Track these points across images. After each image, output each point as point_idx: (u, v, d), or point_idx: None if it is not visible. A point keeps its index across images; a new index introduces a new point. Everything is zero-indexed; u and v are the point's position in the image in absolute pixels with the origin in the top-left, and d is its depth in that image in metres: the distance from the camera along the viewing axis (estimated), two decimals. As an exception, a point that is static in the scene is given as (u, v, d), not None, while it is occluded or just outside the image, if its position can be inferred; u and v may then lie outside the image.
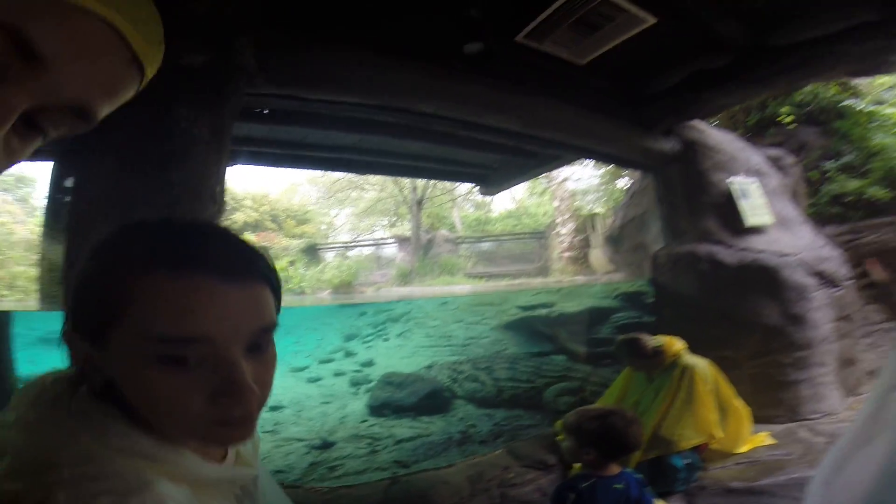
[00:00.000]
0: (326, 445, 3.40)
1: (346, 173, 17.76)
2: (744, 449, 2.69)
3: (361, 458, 3.04)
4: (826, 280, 3.27)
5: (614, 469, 1.61)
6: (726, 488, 2.38)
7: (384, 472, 2.68)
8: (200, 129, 1.56)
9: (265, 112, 2.78)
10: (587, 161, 11.91)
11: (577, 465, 2.36)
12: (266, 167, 3.61)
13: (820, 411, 3.10)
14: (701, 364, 2.64)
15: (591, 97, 2.90)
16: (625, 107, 3.11)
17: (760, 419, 2.79)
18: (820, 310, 3.16)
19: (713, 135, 3.58)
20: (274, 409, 4.84)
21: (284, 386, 6.07)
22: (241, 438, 0.43)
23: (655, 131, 3.28)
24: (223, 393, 0.40)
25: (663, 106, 3.16)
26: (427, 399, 4.26)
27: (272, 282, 0.45)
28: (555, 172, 12.97)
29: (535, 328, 5.36)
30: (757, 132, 4.80)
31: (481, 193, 5.25)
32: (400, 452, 3.11)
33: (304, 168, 4.03)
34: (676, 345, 2.65)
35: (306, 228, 18.01)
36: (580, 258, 12.47)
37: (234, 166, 3.52)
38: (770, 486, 2.34)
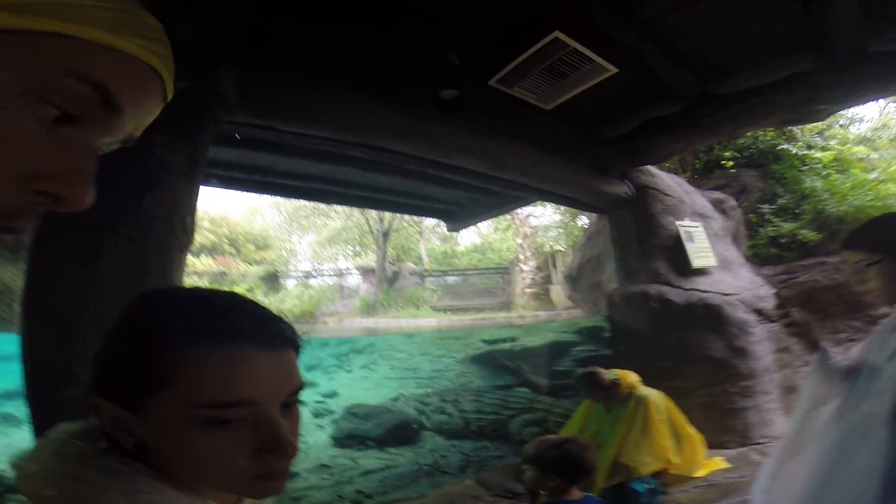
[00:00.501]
0: (290, 476, 3.31)
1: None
2: (701, 473, 2.84)
3: (326, 489, 2.99)
4: (764, 316, 3.57)
5: (576, 494, 1.70)
6: None
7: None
8: (176, 158, 1.51)
9: (237, 137, 2.73)
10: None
11: (542, 494, 2.48)
12: (232, 191, 3.48)
13: (768, 436, 3.32)
14: (654, 394, 2.84)
15: (554, 141, 3.06)
16: (583, 151, 3.28)
17: (714, 445, 2.95)
18: (760, 343, 3.44)
19: (663, 179, 3.81)
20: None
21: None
22: (279, 490, 0.46)
23: (610, 175, 3.47)
24: (267, 450, 0.43)
25: (618, 151, 3.36)
26: (395, 430, 4.25)
27: (297, 346, 0.50)
28: (518, 210, 13.48)
29: (499, 361, 5.49)
30: (703, 174, 5.11)
31: (448, 229, 5.34)
32: (367, 483, 3.09)
33: (270, 194, 3.97)
34: (631, 377, 2.85)
35: (266, 254, 17.47)
36: (542, 294, 12.75)
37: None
38: None
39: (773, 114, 2.91)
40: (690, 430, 2.86)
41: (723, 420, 3.30)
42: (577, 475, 1.70)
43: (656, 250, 3.58)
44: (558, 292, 12.01)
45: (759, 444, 3.30)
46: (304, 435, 4.76)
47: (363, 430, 4.31)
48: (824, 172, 4.88)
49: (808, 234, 4.50)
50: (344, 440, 4.26)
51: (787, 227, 4.61)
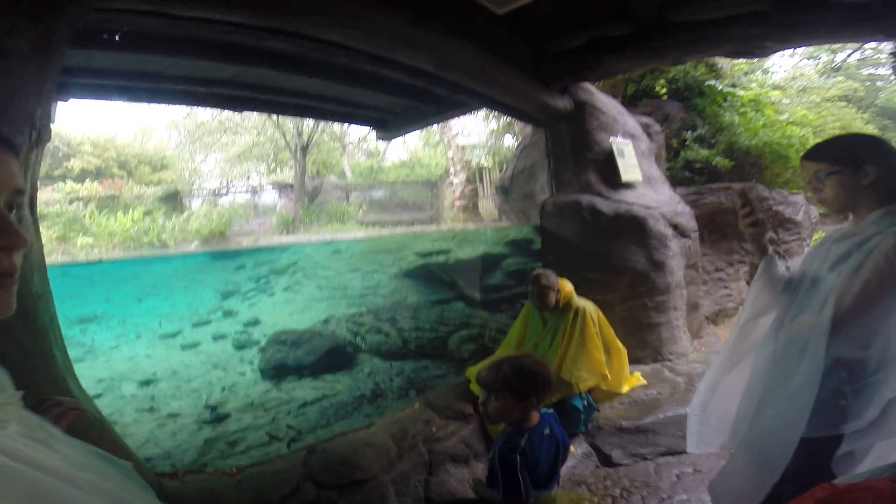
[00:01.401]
0: (219, 419, 3.05)
1: (214, 115, 15.55)
2: (625, 389, 2.96)
3: (263, 428, 2.79)
4: (680, 231, 3.79)
5: (535, 417, 1.62)
6: (618, 427, 2.64)
7: (295, 442, 2.51)
8: (16, 42, 1.30)
9: (116, 38, 2.21)
10: (479, 115, 12.49)
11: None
12: (114, 102, 2.90)
13: (675, 353, 3.59)
14: (590, 306, 2.85)
15: (502, 48, 2.90)
16: (529, 62, 3.22)
17: (632, 360, 3.09)
18: (675, 258, 3.63)
19: (600, 97, 3.88)
20: (147, 383, 4.21)
21: (155, 356, 5.32)
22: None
23: (553, 89, 3.46)
24: None
25: (564, 65, 3.34)
26: (328, 356, 4.06)
27: (16, 151, 0.57)
28: (450, 125, 13.23)
29: (435, 275, 5.41)
30: (632, 102, 5.37)
31: (378, 138, 5.03)
32: (306, 417, 2.94)
33: (165, 103, 3.34)
34: (567, 286, 2.80)
35: (164, 175, 15.89)
36: (470, 207, 13.00)
37: (70, 100, 2.80)
38: (653, 425, 2.65)
39: (722, 45, 3.00)
40: (619, 345, 2.95)
41: (640, 335, 3.48)
42: (537, 396, 1.59)
43: (589, 163, 3.68)
44: (486, 205, 12.33)
45: (669, 360, 3.54)
46: (228, 370, 4.46)
47: (294, 359, 4.07)
48: (742, 110, 5.44)
49: (722, 161, 5.04)
50: (273, 372, 4.00)
51: (704, 153, 5.12)
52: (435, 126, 14.27)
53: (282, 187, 14.97)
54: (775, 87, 7.04)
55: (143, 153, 16.39)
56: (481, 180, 12.83)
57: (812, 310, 1.48)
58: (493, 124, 12.96)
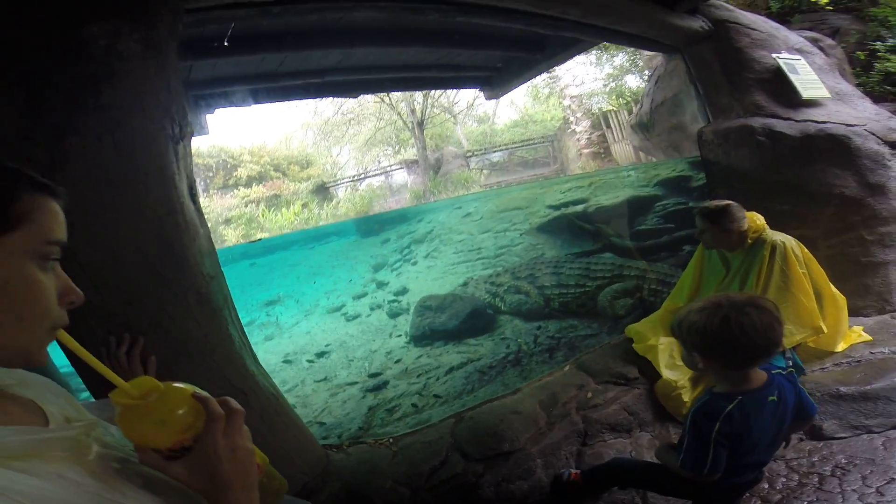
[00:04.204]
0: (379, 386, 3.25)
1: (336, 109, 17.14)
2: (842, 347, 2.33)
3: (416, 395, 2.87)
4: None
5: (759, 378, 1.23)
6: (835, 393, 2.09)
7: (442, 406, 2.50)
8: (129, 45, 1.35)
9: (226, 44, 2.42)
10: (589, 60, 11.45)
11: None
12: (245, 106, 3.27)
13: None
14: (791, 241, 2.21)
15: None
16: None
17: (849, 311, 2.42)
18: None
19: (745, 14, 3.43)
20: (321, 354, 4.74)
21: (326, 328, 6.00)
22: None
23: (678, 9, 3.11)
24: (65, 293, 0.57)
25: None
26: (470, 319, 4.03)
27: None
28: (558, 73, 12.63)
29: (574, 225, 4.98)
30: (780, 19, 4.56)
31: (487, 97, 4.92)
32: (452, 383, 2.93)
33: (291, 99, 3.67)
34: (758, 219, 2.22)
35: (311, 171, 18.01)
36: (602, 153, 11.97)
37: (215, 112, 3.26)
38: (885, 390, 2.05)
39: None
40: (834, 290, 2.29)
41: (858, 278, 2.78)
42: (758, 357, 1.19)
43: (751, 84, 3.16)
44: (621, 149, 11.18)
45: None
46: (385, 339, 4.78)
47: (439, 324, 4.14)
48: None
49: None
50: (422, 338, 4.13)
51: None
52: (542, 81, 13.67)
53: (408, 164, 15.88)
54: None
55: (290, 155, 18.68)
56: (609, 125, 11.84)
57: None
58: (608, 67, 12.10)
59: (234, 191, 15.39)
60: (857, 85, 4.15)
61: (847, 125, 2.91)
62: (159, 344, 1.35)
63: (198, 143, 16.95)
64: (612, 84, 12.26)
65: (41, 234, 0.54)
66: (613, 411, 2.04)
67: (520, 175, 13.98)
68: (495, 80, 4.44)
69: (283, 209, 13.31)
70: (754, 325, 1.12)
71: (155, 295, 1.34)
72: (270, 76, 3.18)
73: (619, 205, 4.79)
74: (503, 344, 3.51)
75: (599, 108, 12.49)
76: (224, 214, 13.27)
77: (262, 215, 12.98)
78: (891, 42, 4.47)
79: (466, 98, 16.93)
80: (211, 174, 16.96)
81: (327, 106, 17.20)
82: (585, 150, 12.45)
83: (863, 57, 4.51)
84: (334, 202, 14.87)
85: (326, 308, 7.16)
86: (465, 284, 5.10)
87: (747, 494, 1.70)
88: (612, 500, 1.76)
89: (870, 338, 2.41)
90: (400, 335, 4.62)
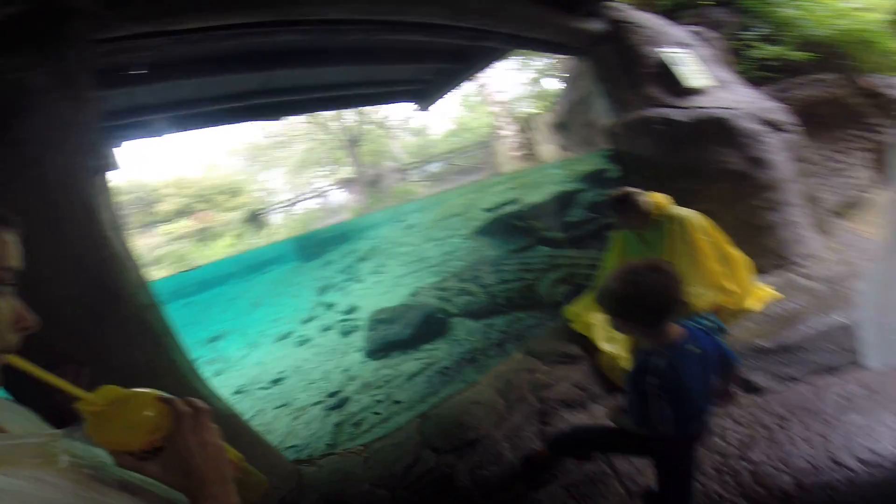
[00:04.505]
0: (342, 403, 3.26)
1: (263, 133, 16.61)
2: (756, 306, 2.59)
3: (381, 405, 2.92)
4: (774, 126, 3.40)
5: (674, 332, 1.36)
6: (757, 347, 2.29)
7: (408, 411, 2.57)
8: (40, 79, 1.36)
9: (143, 72, 2.35)
10: (512, 67, 12.08)
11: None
12: (159, 136, 3.14)
13: (804, 255, 3.17)
14: (691, 214, 2.53)
15: None
16: None
17: (754, 271, 2.69)
18: (775, 151, 3.26)
19: (636, 13, 3.72)
20: (276, 381, 4.64)
21: (277, 356, 5.85)
22: None
23: (579, 13, 3.34)
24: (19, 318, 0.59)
25: None
26: (424, 326, 4.13)
27: None
28: (485, 81, 13.19)
29: (509, 225, 5.25)
30: (671, 16, 4.98)
31: (418, 109, 5.06)
32: (415, 388, 3.01)
33: (210, 126, 3.54)
34: (660, 198, 2.51)
35: (241, 199, 17.30)
36: (529, 155, 12.58)
37: (129, 142, 3.05)
38: (799, 340, 2.26)
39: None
40: (738, 253, 2.56)
41: (757, 240, 3.12)
42: (664, 313, 1.31)
43: (646, 78, 3.47)
44: (546, 149, 11.83)
45: (798, 265, 3.08)
46: (340, 357, 4.75)
47: (394, 335, 4.20)
48: (794, 3, 5.00)
49: (798, 55, 4.61)
50: (378, 351, 4.17)
51: (775, 49, 4.72)
52: (471, 89, 14.16)
53: (345, 183, 15.65)
54: None
55: (216, 184, 17.80)
56: (534, 127, 12.44)
57: None
58: (531, 72, 12.66)
59: (157, 228, 14.42)
60: (739, 73, 4.58)
61: (727, 108, 3.29)
62: (104, 374, 1.34)
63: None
64: (535, 88, 12.90)
65: None
66: (564, 388, 2.21)
67: (459, 182, 14.26)
68: (424, 92, 4.55)
69: (215, 242, 12.67)
70: (654, 285, 1.28)
71: (92, 328, 1.34)
72: (187, 103, 3.08)
73: (547, 201, 5.11)
74: (458, 345, 3.64)
75: (525, 112, 13.08)
76: (150, 255, 12.39)
77: (193, 251, 12.28)
78: (760, 31, 4.93)
79: (400, 113, 17.08)
80: (127, 212, 15.86)
81: (252, 130, 16.72)
82: (515, 153, 13.02)
83: (738, 46, 4.93)
84: (269, 229, 14.38)
85: (274, 337, 6.95)
86: (414, 294, 5.20)
87: (708, 452, 1.85)
88: (583, 471, 1.88)
89: (780, 295, 2.70)
90: (356, 352, 4.62)
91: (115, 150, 3.11)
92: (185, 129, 3.37)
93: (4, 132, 1.27)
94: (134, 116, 2.88)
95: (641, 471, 1.86)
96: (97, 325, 1.35)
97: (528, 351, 2.51)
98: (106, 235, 1.44)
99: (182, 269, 11.63)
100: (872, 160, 4.87)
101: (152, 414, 0.59)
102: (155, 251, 12.45)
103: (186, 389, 1.53)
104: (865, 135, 4.76)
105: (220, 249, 12.11)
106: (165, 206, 15.54)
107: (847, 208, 4.53)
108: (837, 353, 2.17)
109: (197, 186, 17.00)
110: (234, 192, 17.68)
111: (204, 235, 13.55)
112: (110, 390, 0.59)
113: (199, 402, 0.62)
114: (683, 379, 1.31)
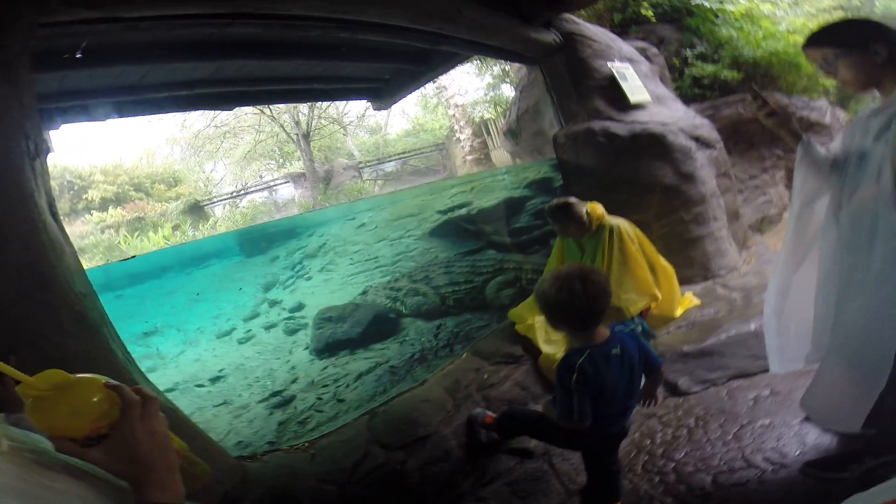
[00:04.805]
0: (286, 402, 3.22)
1: (208, 122, 15.74)
2: (679, 313, 2.81)
3: (328, 404, 2.91)
4: (703, 143, 3.70)
5: (602, 334, 1.47)
6: (681, 352, 2.47)
7: (357, 410, 2.60)
8: None
9: (78, 55, 2.21)
10: (471, 71, 12.30)
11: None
12: (99, 121, 2.98)
13: (725, 266, 3.46)
14: (624, 223, 2.72)
15: None
16: (507, 1, 3.17)
17: (680, 281, 2.90)
18: (703, 168, 3.53)
19: (588, 27, 3.85)
20: (216, 379, 4.46)
21: (217, 353, 5.61)
22: None
23: (535, 24, 3.43)
24: None
25: None
26: (373, 326, 4.15)
27: None
28: (444, 83, 13.29)
29: (460, 228, 5.37)
30: (622, 31, 5.33)
31: (375, 108, 5.05)
32: (364, 387, 3.04)
33: (152, 113, 3.39)
34: (598, 208, 2.68)
35: (181, 190, 16.36)
36: (482, 159, 12.84)
37: (60, 128, 2.89)
38: (717, 346, 2.46)
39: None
40: (664, 263, 2.77)
41: (684, 252, 3.38)
42: (591, 317, 1.43)
43: (593, 91, 3.63)
44: (499, 155, 12.14)
45: (719, 276, 3.37)
46: (285, 356, 4.66)
47: (342, 333, 4.19)
48: (737, 24, 5.39)
49: (730, 74, 4.96)
50: (325, 350, 4.14)
51: (709, 68, 5.05)
52: (430, 91, 14.27)
53: (295, 178, 15.20)
54: (765, 0, 6.75)
55: (153, 173, 16.85)
56: (488, 132, 12.87)
57: (868, 182, 1.38)
58: (489, 78, 12.85)
59: (86, 216, 13.31)
60: (676, 89, 4.92)
61: (663, 124, 3.50)
62: (36, 363, 1.29)
63: (30, 163, 14.25)
64: (491, 93, 13.14)
65: None
66: (508, 387, 2.34)
67: (413, 183, 14.21)
68: (383, 92, 4.52)
69: (150, 233, 11.89)
70: (582, 292, 1.40)
71: (25, 315, 1.29)
72: (130, 89, 2.90)
73: (496, 206, 5.28)
74: (408, 344, 3.70)
75: (480, 117, 13.32)
76: (77, 243, 11.39)
77: (124, 241, 11.44)
78: (699, 49, 5.27)
79: (357, 109, 16.74)
80: (55, 197, 14.50)
81: (197, 119, 15.68)
82: (469, 157, 13.21)
83: (678, 63, 5.28)
84: (211, 221, 13.66)
85: (214, 333, 6.66)
86: (364, 293, 5.19)
87: (635, 451, 2.01)
88: (526, 469, 1.99)
89: (699, 302, 2.97)
90: (303, 350, 4.56)
91: (50, 133, 2.94)
92: (130, 114, 3.19)
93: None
94: (76, 99, 2.71)
95: (579, 471, 1.96)
96: (31, 312, 1.30)
97: (475, 351, 2.62)
98: (44, 220, 1.39)
99: (113, 261, 10.83)
100: (788, 179, 5.43)
101: (99, 400, 0.57)
102: (83, 240, 11.50)
103: (124, 380, 1.48)
104: (784, 154, 5.25)
105: (157, 241, 11.38)
106: (96, 194, 14.40)
107: (764, 223, 5.04)
108: (750, 359, 2.35)
109: (131, 175, 15.91)
110: (172, 181, 16.68)
111: (138, 226, 12.67)
112: (54, 374, 0.56)
113: (147, 391, 0.61)
114: (604, 378, 1.43)
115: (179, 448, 0.68)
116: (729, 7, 5.55)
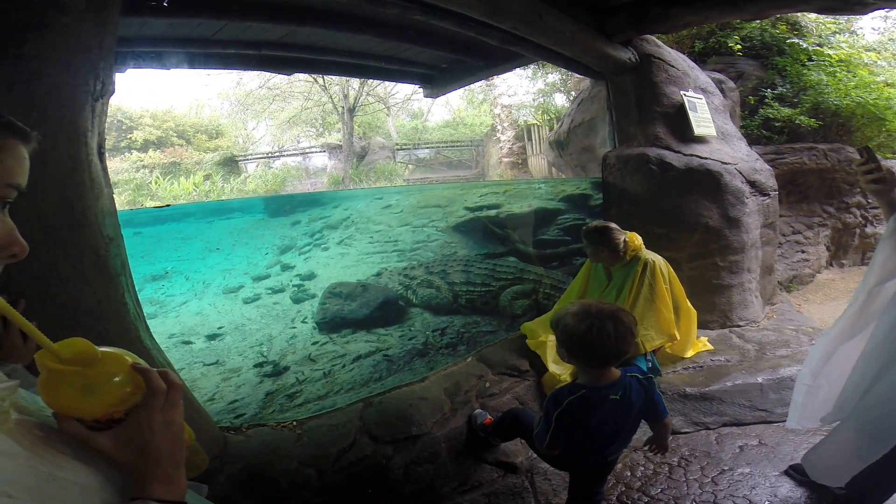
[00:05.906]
0: (279, 372, 3.16)
1: (262, 83, 15.95)
2: (690, 354, 2.77)
3: (320, 382, 2.84)
4: (758, 188, 3.56)
5: (611, 375, 1.46)
6: (682, 393, 2.49)
7: (347, 393, 2.53)
8: None
9: (164, 3, 2.31)
10: (524, 74, 12.14)
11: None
12: (168, 72, 3.04)
13: (745, 318, 3.35)
14: (660, 260, 2.62)
15: None
16: (587, 12, 3.13)
17: (698, 324, 2.90)
18: (751, 215, 3.40)
19: (669, 51, 3.76)
20: (213, 337, 4.44)
21: (221, 309, 5.61)
22: None
23: (615, 40, 3.35)
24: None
25: (628, 16, 3.20)
26: (381, 310, 4.08)
27: None
28: (495, 82, 13.20)
29: (486, 229, 5.25)
30: (700, 59, 5.18)
31: (425, 95, 5.04)
32: (360, 370, 2.96)
33: (217, 69, 3.48)
34: (636, 239, 2.59)
35: (220, 142, 16.65)
36: (519, 164, 12.69)
37: (127, 70, 2.93)
38: (718, 392, 2.48)
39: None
40: (689, 305, 2.72)
41: (709, 297, 3.27)
42: (609, 360, 1.41)
43: (657, 116, 3.52)
44: (537, 162, 11.95)
45: (738, 326, 3.30)
46: (287, 324, 4.62)
47: (348, 312, 4.12)
48: (830, 69, 5.07)
49: (806, 120, 4.71)
50: (328, 325, 4.08)
51: (786, 111, 4.81)
52: (478, 87, 14.18)
53: (331, 149, 15.31)
54: (868, 49, 6.36)
55: (198, 123, 17.17)
56: (530, 138, 12.66)
57: None
58: (540, 83, 12.73)
59: (126, 154, 13.63)
60: (742, 127, 4.75)
61: (723, 163, 3.39)
62: (44, 309, 1.24)
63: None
64: (541, 100, 13.03)
65: (3, 175, 0.51)
66: (507, 400, 2.25)
67: (444, 174, 14.21)
68: (436, 80, 4.51)
69: (182, 179, 12.09)
70: (611, 334, 1.34)
71: (45, 254, 1.23)
72: (202, 42, 2.97)
73: (527, 214, 5.15)
74: (412, 335, 3.62)
75: (525, 121, 13.20)
76: (111, 178, 11.69)
77: (155, 182, 11.66)
78: (780, 90, 5.10)
79: (404, 92, 16.78)
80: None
81: (253, 78, 15.92)
82: (506, 159, 13.09)
83: (753, 101, 5.14)
84: (242, 177, 13.85)
85: (222, 288, 6.67)
86: (378, 275, 5.12)
87: (613, 481, 2.04)
88: (506, 483, 1.98)
89: (712, 347, 2.91)
90: (305, 321, 4.51)
91: (118, 76, 2.98)
92: (197, 66, 3.23)
93: (17, 46, 1.18)
94: (150, 46, 2.78)
95: (558, 491, 2.01)
96: (52, 250, 1.24)
97: (481, 357, 2.52)
98: (90, 159, 1.35)
99: (139, 202, 11.07)
100: (832, 240, 5.15)
101: (121, 382, 0.51)
102: (116, 176, 11.78)
103: (130, 336, 1.44)
104: (835, 213, 4.99)
105: (186, 187, 11.56)
106: (140, 135, 14.75)
107: (794, 282, 4.81)
108: (748, 409, 2.45)
109: (178, 121, 16.27)
110: (214, 133, 16.98)
111: (172, 170, 12.92)
112: (79, 343, 0.51)
113: (174, 377, 0.56)
114: (588, 420, 1.43)
115: (187, 438, 0.62)
116: (828, 51, 5.28)
